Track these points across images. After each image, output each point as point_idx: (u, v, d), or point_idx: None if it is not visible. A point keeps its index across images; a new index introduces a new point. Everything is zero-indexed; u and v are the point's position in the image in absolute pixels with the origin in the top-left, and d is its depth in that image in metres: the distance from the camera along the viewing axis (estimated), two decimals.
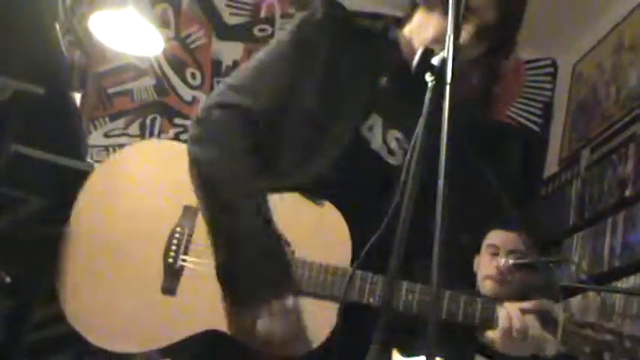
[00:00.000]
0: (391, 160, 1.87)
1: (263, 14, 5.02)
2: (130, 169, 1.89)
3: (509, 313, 1.76)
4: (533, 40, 5.14)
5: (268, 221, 1.73)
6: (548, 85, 5.19)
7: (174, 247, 1.78)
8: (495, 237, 3.18)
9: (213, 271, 1.73)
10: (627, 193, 3.68)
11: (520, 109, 5.16)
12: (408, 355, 2.03)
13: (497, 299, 1.86)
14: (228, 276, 1.72)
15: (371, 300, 1.74)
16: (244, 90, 1.82)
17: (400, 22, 1.93)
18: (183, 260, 1.78)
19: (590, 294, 3.60)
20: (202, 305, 1.75)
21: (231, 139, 1.78)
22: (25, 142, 1.94)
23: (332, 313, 1.72)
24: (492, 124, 5.07)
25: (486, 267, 3.11)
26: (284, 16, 5.02)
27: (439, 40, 1.68)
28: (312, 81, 1.82)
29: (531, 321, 1.76)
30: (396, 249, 1.41)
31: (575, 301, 3.72)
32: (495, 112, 5.14)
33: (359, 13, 1.97)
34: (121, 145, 4.65)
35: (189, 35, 4.88)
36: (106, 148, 4.64)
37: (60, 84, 1.92)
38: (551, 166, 4.90)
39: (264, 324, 1.68)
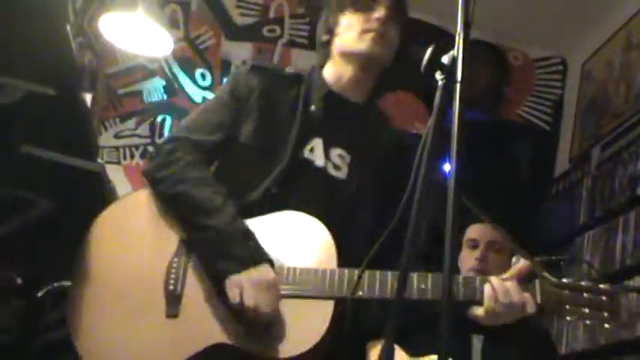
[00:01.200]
0: (338, 174, 2.05)
1: (272, 15, 5.03)
2: (133, 214, 2.04)
3: (491, 284, 1.81)
4: (543, 38, 5.14)
5: (235, 215, 1.91)
6: (558, 84, 5.18)
7: (173, 276, 1.92)
8: (473, 231, 3.22)
9: (210, 291, 1.88)
10: (638, 191, 3.67)
11: (530, 107, 5.15)
12: (413, 355, 2.02)
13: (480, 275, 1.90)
14: (205, 256, 1.90)
15: (360, 293, 1.81)
16: (192, 127, 2.09)
17: (321, 68, 2.17)
18: (183, 285, 1.90)
19: None
20: (203, 323, 1.86)
21: (181, 157, 2.00)
22: (35, 143, 1.94)
23: (325, 313, 1.82)
24: (502, 124, 5.07)
25: (467, 261, 3.15)
26: (293, 16, 5.03)
27: (353, 28, 2.04)
28: (250, 119, 2.06)
29: (512, 287, 1.80)
30: (407, 245, 1.47)
31: None
32: (505, 111, 5.13)
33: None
34: (132, 146, 4.68)
35: (198, 36, 4.89)
36: (117, 148, 4.66)
37: (70, 85, 1.92)
38: (561, 164, 4.89)
39: (249, 295, 1.79)
